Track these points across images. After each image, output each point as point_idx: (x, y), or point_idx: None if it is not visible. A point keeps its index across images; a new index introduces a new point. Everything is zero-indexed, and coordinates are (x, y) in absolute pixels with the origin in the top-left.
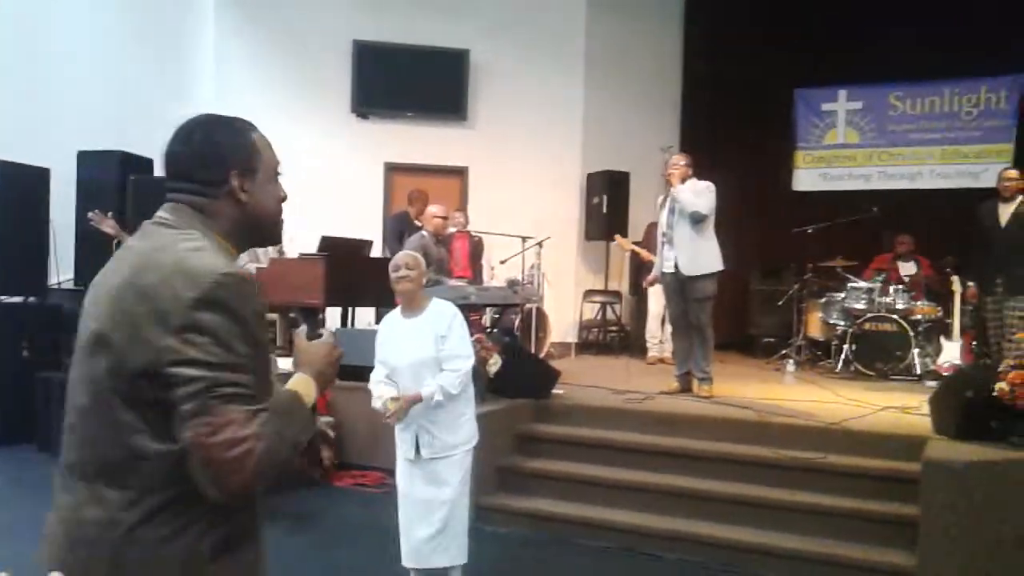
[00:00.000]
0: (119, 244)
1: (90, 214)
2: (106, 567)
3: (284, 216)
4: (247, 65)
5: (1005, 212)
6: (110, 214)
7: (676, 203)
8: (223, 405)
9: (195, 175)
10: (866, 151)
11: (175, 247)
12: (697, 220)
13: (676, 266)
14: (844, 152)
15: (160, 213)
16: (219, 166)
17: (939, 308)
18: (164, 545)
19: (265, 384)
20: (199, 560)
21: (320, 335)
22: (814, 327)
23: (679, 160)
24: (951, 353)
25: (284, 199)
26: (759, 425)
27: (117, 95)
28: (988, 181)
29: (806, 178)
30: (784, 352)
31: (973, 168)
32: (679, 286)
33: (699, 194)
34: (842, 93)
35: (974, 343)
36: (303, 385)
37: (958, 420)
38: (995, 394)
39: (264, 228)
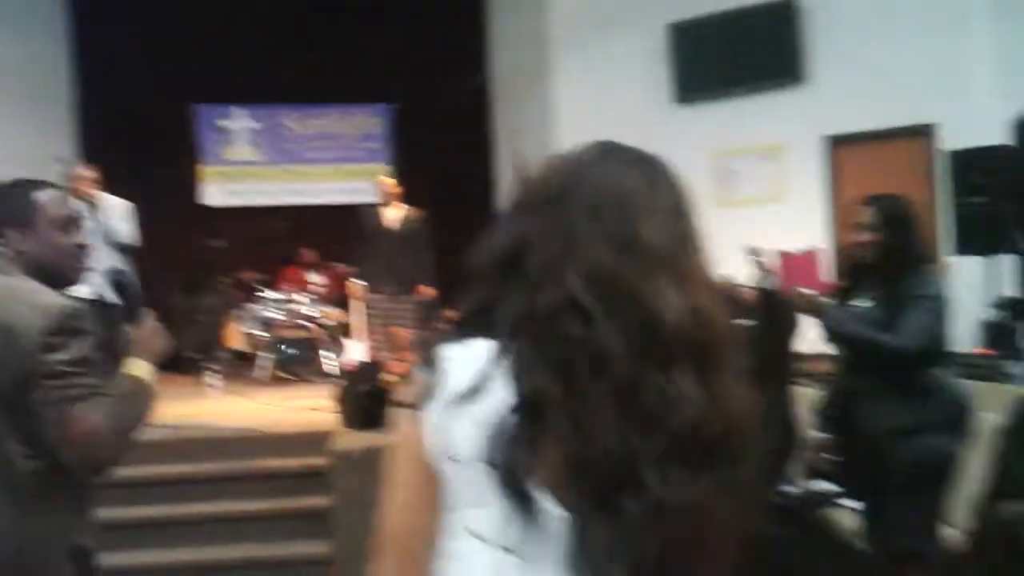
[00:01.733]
0: None
1: None
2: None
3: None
4: None
5: (392, 217)
6: None
7: (100, 225)
8: (74, 403)
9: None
10: (268, 168)
11: (21, 286)
12: (127, 251)
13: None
14: (248, 169)
15: None
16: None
17: (343, 312)
18: (50, 534)
19: (101, 380)
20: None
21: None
22: (235, 339)
23: (86, 173)
24: (355, 352)
25: (74, 245)
26: (179, 443)
27: None
28: (372, 197)
29: (215, 193)
30: (206, 366)
31: (360, 185)
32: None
33: (126, 219)
34: (240, 112)
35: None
36: (142, 368)
37: (358, 412)
38: (382, 386)
39: (53, 272)
